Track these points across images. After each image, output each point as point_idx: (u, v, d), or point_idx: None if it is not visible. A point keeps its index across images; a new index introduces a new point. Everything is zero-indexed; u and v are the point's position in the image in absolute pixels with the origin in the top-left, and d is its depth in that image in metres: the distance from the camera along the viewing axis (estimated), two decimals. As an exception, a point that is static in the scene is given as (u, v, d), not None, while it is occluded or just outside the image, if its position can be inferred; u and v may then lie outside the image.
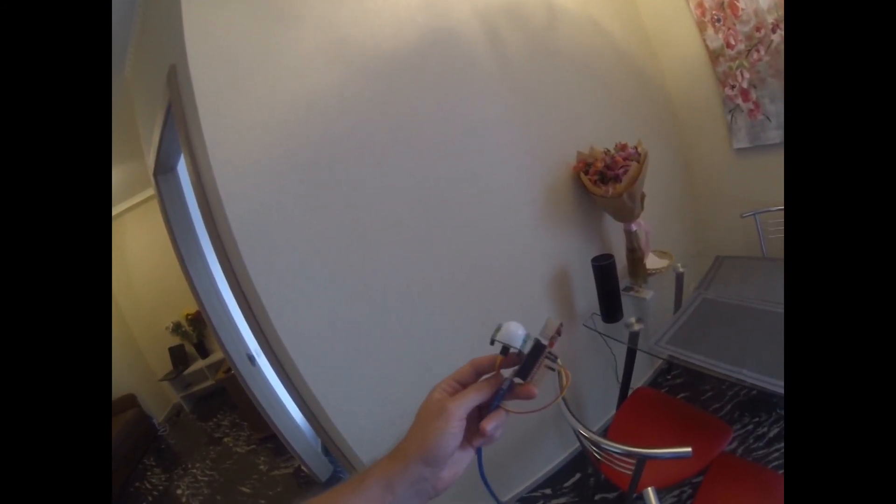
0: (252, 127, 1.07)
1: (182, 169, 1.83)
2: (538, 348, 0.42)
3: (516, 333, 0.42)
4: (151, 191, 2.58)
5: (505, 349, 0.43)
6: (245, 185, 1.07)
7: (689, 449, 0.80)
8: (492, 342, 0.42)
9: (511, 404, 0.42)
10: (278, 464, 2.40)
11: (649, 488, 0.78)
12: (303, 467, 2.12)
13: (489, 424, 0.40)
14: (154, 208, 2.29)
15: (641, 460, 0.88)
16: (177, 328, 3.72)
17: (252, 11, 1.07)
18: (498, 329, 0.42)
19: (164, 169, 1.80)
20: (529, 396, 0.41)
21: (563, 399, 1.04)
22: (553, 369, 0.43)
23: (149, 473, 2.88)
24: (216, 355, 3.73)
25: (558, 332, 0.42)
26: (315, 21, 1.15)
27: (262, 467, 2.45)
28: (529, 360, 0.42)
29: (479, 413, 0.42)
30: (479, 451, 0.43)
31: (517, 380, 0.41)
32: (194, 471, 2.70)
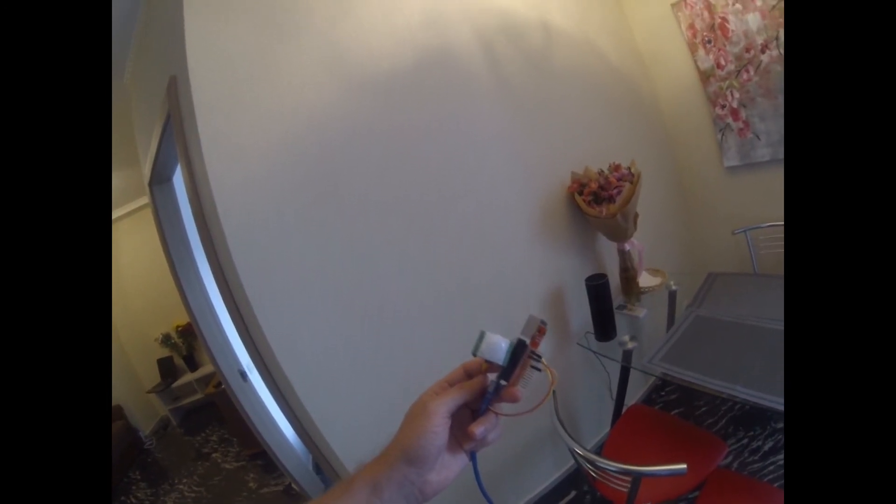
0: (251, 140, 1.08)
1: (178, 179, 1.82)
2: (520, 347, 0.40)
3: (499, 346, 0.40)
4: (145, 199, 2.56)
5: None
6: (242, 197, 1.07)
7: (684, 466, 0.80)
8: (474, 354, 0.41)
9: (500, 407, 0.41)
10: (268, 481, 2.35)
11: (646, 506, 0.79)
12: (293, 485, 2.07)
13: (477, 428, 0.39)
14: (147, 217, 2.27)
15: (637, 478, 0.87)
16: (166, 340, 3.66)
17: (254, 26, 1.09)
18: (480, 339, 0.41)
19: (160, 179, 1.79)
20: (513, 399, 0.40)
21: (559, 418, 1.03)
22: (538, 369, 0.41)
23: (134, 487, 2.80)
24: (205, 368, 3.66)
25: (540, 331, 0.41)
26: (315, 37, 1.17)
27: (251, 484, 2.39)
28: (512, 361, 0.40)
29: (473, 417, 0.41)
30: (473, 458, 0.41)
31: (502, 382, 0.40)
32: (181, 486, 2.63)
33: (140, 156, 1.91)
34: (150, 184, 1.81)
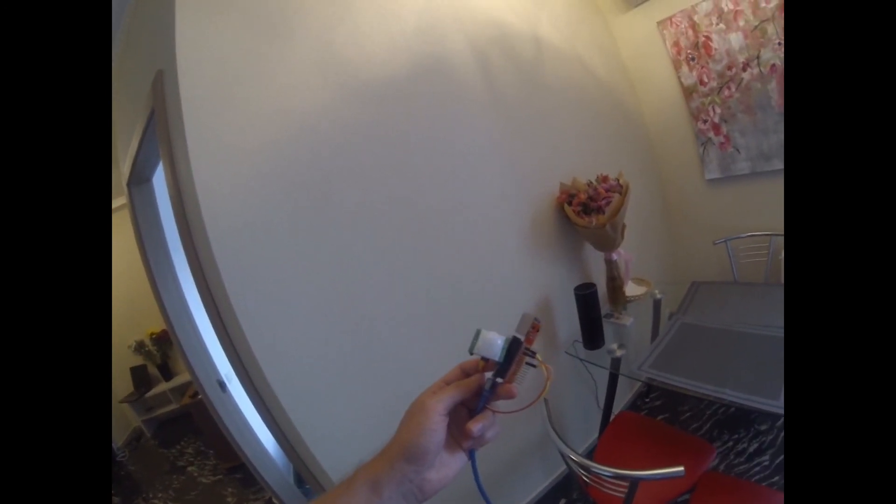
0: (239, 142, 1.05)
1: (158, 180, 1.76)
2: (515, 344, 0.41)
3: (495, 343, 0.41)
4: (121, 200, 2.47)
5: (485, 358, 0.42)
6: (228, 201, 1.03)
7: (682, 468, 0.81)
8: (470, 352, 0.42)
9: (498, 405, 0.41)
10: (247, 496, 2.26)
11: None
12: (274, 499, 1.99)
13: (475, 425, 0.39)
14: (122, 219, 2.19)
15: (634, 483, 0.87)
16: (140, 347, 3.52)
17: (247, 24, 1.06)
18: (476, 337, 0.41)
19: (139, 179, 1.73)
20: (510, 396, 0.40)
21: (552, 425, 1.03)
22: (534, 365, 0.42)
23: None
24: (181, 378, 3.52)
25: (535, 328, 0.42)
26: (310, 40, 1.15)
27: (229, 499, 2.29)
28: (507, 358, 0.41)
29: (471, 416, 0.41)
30: (472, 457, 0.42)
31: (498, 379, 0.40)
32: (156, 501, 2.52)
33: (119, 154, 1.84)
34: (129, 184, 1.74)
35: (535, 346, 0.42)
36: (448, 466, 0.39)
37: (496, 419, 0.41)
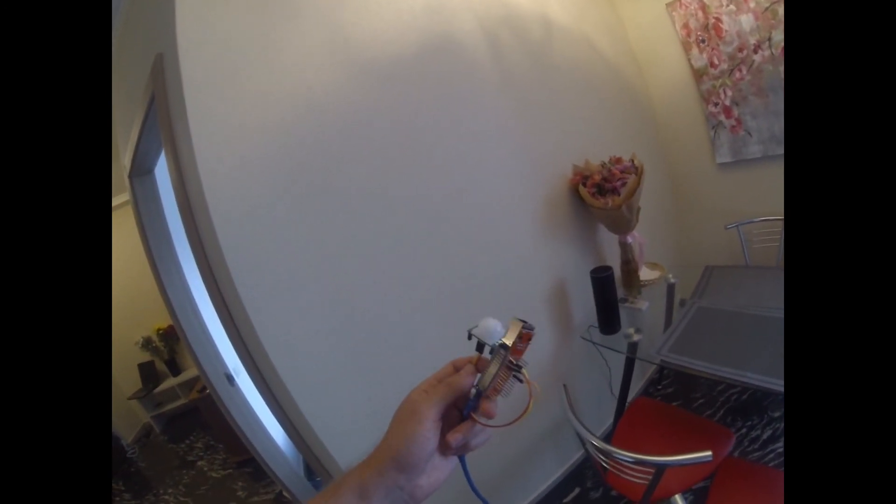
0: (244, 125, 1.01)
1: (160, 171, 1.74)
2: (500, 352, 0.38)
3: (493, 331, 0.38)
4: (123, 197, 2.44)
5: (480, 346, 0.39)
6: (233, 187, 1.00)
7: (710, 453, 0.79)
8: (469, 336, 0.39)
9: (482, 416, 0.38)
10: (257, 489, 2.25)
11: (677, 496, 0.77)
12: (284, 493, 1.99)
13: (453, 437, 0.37)
14: (125, 216, 2.17)
15: (660, 469, 0.85)
16: (147, 343, 3.52)
17: (251, 2, 1.02)
18: (477, 324, 0.39)
19: (140, 171, 1.70)
20: (487, 415, 0.37)
21: (573, 412, 1.00)
22: (520, 380, 0.38)
23: (117, 499, 2.66)
24: (189, 373, 3.53)
25: (523, 338, 0.37)
26: (317, 17, 1.11)
27: (239, 493, 2.29)
28: (491, 367, 0.38)
29: (461, 418, 0.39)
30: (462, 459, 0.40)
31: (480, 389, 0.38)
32: (166, 497, 2.51)
33: (119, 147, 1.81)
34: (131, 176, 1.71)
35: (534, 351, 0.39)
36: (439, 470, 0.37)
37: (481, 427, 0.38)
